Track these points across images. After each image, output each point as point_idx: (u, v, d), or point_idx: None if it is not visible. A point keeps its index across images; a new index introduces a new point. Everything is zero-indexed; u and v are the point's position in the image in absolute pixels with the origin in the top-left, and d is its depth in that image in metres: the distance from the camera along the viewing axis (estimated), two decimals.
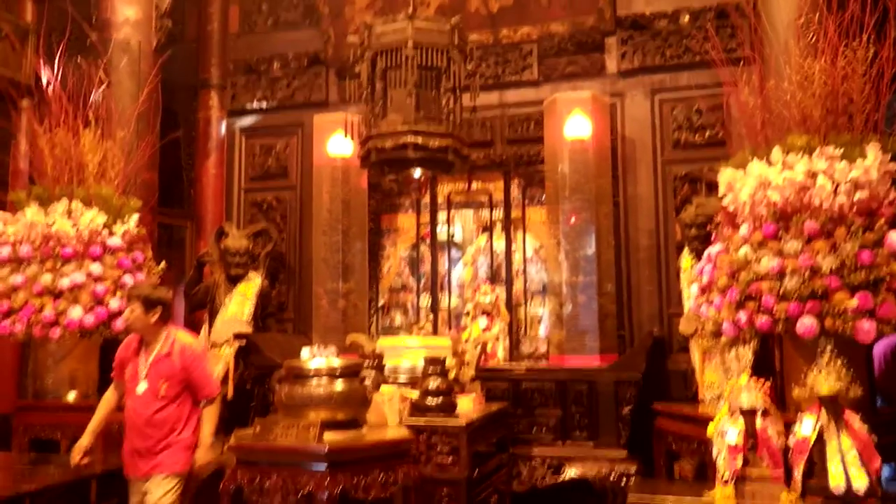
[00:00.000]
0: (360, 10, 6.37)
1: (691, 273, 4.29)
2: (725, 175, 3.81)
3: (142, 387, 3.45)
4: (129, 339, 3.63)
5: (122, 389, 3.61)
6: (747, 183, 3.65)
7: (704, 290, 3.87)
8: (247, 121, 6.84)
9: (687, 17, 5.71)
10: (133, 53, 5.52)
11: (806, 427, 2.99)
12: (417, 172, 5.29)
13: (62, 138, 4.80)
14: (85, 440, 3.52)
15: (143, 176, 5.37)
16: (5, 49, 6.25)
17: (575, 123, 5.48)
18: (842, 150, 3.45)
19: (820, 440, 2.91)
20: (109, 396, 3.68)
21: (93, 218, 4.55)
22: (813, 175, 3.46)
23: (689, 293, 4.24)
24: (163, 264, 4.95)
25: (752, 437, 3.04)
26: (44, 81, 5.01)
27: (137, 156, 5.13)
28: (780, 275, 3.43)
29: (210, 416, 3.54)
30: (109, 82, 5.20)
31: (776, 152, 3.57)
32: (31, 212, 4.56)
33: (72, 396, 4.65)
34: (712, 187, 4.32)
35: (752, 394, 3.16)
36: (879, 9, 3.61)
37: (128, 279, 4.53)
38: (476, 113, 4.96)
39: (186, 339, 3.59)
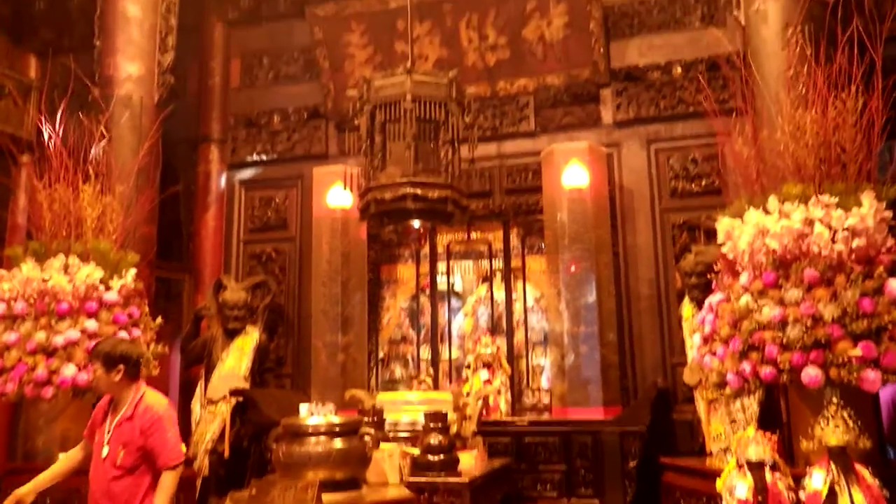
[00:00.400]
0: (359, 65, 6.48)
1: (693, 322, 4.26)
2: (724, 224, 3.81)
3: (104, 452, 3.12)
4: (104, 400, 3.31)
5: (88, 451, 3.30)
6: (745, 231, 3.65)
7: (707, 340, 3.83)
8: (246, 173, 6.89)
9: (679, 69, 5.83)
10: (135, 109, 5.57)
11: (816, 481, 2.92)
12: (417, 223, 5.29)
13: (61, 193, 4.79)
14: (23, 490, 3.16)
15: (142, 230, 5.36)
16: (7, 106, 6.33)
17: (572, 173, 5.53)
18: (837, 199, 3.46)
19: (832, 494, 2.84)
20: (73, 454, 3.35)
21: (89, 273, 4.52)
22: (810, 223, 3.46)
23: (692, 343, 4.19)
24: (159, 319, 4.91)
25: (761, 493, 2.97)
26: (45, 137, 5.04)
27: (136, 210, 5.13)
28: (783, 324, 3.40)
29: (164, 487, 3.07)
30: (110, 137, 5.23)
31: (772, 201, 3.58)
32: (27, 267, 4.53)
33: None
34: (710, 235, 4.33)
35: (759, 447, 3.10)
36: (866, 61, 3.67)
37: (123, 335, 4.48)
38: (474, 164, 4.98)
39: (152, 400, 3.21)
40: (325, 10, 6.46)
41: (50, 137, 4.93)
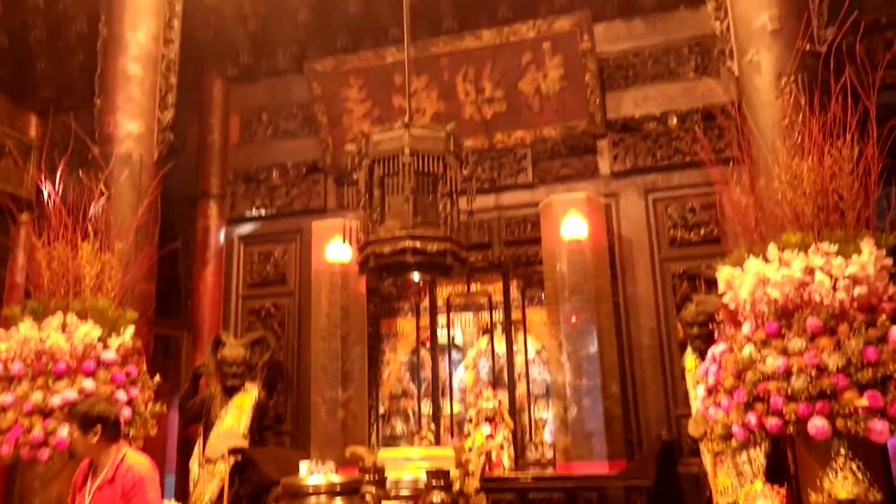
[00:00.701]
0: (357, 119, 6.56)
1: (696, 373, 4.21)
2: (724, 273, 3.80)
3: None
4: (84, 463, 3.23)
5: None
6: (746, 280, 3.64)
7: (711, 392, 3.78)
8: (245, 228, 6.91)
9: (675, 120, 5.90)
10: (134, 166, 5.60)
11: None
12: (416, 276, 5.28)
13: (60, 251, 4.79)
14: None
15: (141, 287, 5.33)
16: (7, 165, 6.39)
17: (571, 224, 5.55)
18: (836, 247, 3.47)
19: None
20: None
21: (87, 331, 4.49)
22: (810, 271, 3.45)
23: (696, 394, 4.14)
24: (157, 377, 4.85)
25: None
26: (45, 196, 5.06)
27: (135, 267, 5.12)
28: (787, 374, 3.36)
29: None
30: (110, 195, 5.24)
31: (772, 249, 3.58)
32: (25, 327, 4.50)
33: None
34: (711, 284, 4.31)
35: (768, 500, 3.04)
36: (860, 109, 3.71)
37: (121, 395, 4.42)
38: (473, 216, 4.97)
39: (134, 461, 3.12)
40: (323, 65, 6.57)
41: (49, 196, 4.94)
